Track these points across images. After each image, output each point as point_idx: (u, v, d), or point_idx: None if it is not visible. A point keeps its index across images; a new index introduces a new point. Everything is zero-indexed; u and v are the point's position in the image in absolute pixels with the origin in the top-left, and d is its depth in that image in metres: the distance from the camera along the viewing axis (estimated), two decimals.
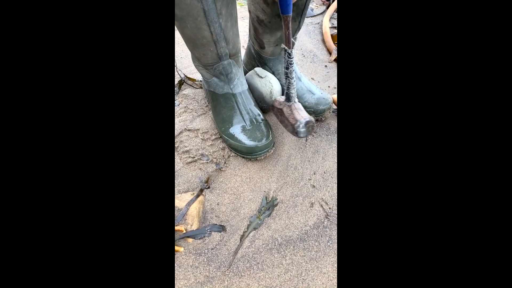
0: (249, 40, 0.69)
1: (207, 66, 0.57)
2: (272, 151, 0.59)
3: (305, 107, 0.66)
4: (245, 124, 0.59)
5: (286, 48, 0.49)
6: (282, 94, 0.66)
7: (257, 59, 0.69)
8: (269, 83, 0.63)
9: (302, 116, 0.52)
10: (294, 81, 0.52)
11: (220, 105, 0.61)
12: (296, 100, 0.54)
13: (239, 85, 0.60)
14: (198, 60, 0.57)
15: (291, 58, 0.50)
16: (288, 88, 0.52)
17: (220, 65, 0.56)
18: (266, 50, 0.65)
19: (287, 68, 0.50)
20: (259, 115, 0.60)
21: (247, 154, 0.58)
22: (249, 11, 0.61)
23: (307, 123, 0.51)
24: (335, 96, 0.71)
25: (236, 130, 0.58)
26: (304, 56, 0.92)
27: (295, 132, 0.52)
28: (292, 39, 0.49)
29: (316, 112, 0.66)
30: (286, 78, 0.51)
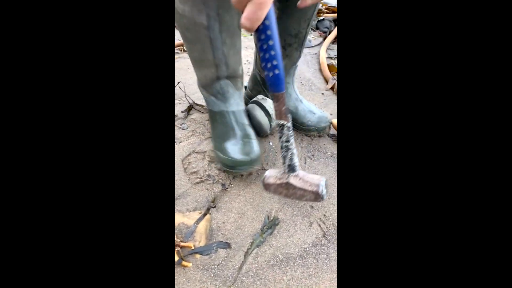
0: (254, 68, 0.77)
1: (207, 86, 0.64)
2: (258, 168, 0.63)
3: (308, 126, 0.74)
4: (236, 140, 0.63)
5: (284, 122, 0.46)
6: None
7: (262, 84, 0.77)
8: (270, 109, 0.70)
9: (317, 179, 0.49)
10: (295, 150, 0.49)
11: (216, 122, 0.66)
12: (298, 167, 0.50)
13: (235, 105, 0.66)
14: (200, 80, 0.64)
15: (290, 131, 0.47)
16: (291, 159, 0.49)
17: (218, 85, 0.62)
18: None
19: (287, 141, 0.48)
20: (251, 134, 0.65)
21: (233, 167, 0.60)
22: (256, 44, 0.69)
23: (325, 183, 0.48)
24: (334, 121, 0.78)
25: (227, 145, 0.62)
26: (302, 84, 0.99)
27: (319, 197, 0.48)
28: (288, 114, 0.46)
29: (318, 130, 0.75)
30: (287, 151, 0.48)
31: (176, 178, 0.62)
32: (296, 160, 0.49)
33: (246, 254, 0.52)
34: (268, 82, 0.42)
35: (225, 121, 0.65)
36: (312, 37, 1.32)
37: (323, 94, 0.95)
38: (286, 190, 0.51)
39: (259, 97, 0.73)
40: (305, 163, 0.70)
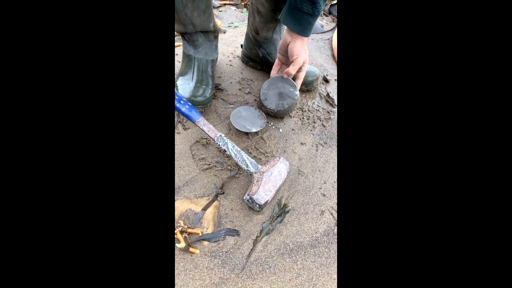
0: (247, 28, 0.83)
1: (181, 33, 0.70)
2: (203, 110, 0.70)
3: None
4: (191, 80, 0.69)
5: (219, 134, 0.57)
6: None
7: (254, 42, 0.83)
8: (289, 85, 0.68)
9: (272, 157, 0.59)
10: (241, 158, 0.56)
11: (184, 63, 0.73)
12: (253, 169, 0.55)
13: (203, 53, 0.72)
14: (176, 30, 0.70)
15: (226, 137, 0.58)
16: (248, 157, 0.57)
17: (189, 35, 0.69)
18: (260, 35, 0.79)
19: (233, 146, 0.57)
20: (209, 84, 0.70)
21: None
22: (251, 3, 0.75)
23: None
24: None
25: (181, 81, 0.69)
26: None
27: (286, 160, 0.59)
28: (214, 129, 0.58)
29: (306, 83, 0.79)
30: (240, 153, 0.57)
31: (184, 165, 0.61)
32: (242, 165, 0.56)
33: (255, 242, 0.50)
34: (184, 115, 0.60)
35: (189, 64, 0.71)
36: (325, 22, 1.26)
37: (335, 80, 0.91)
38: (270, 181, 0.54)
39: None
40: (316, 150, 0.67)
